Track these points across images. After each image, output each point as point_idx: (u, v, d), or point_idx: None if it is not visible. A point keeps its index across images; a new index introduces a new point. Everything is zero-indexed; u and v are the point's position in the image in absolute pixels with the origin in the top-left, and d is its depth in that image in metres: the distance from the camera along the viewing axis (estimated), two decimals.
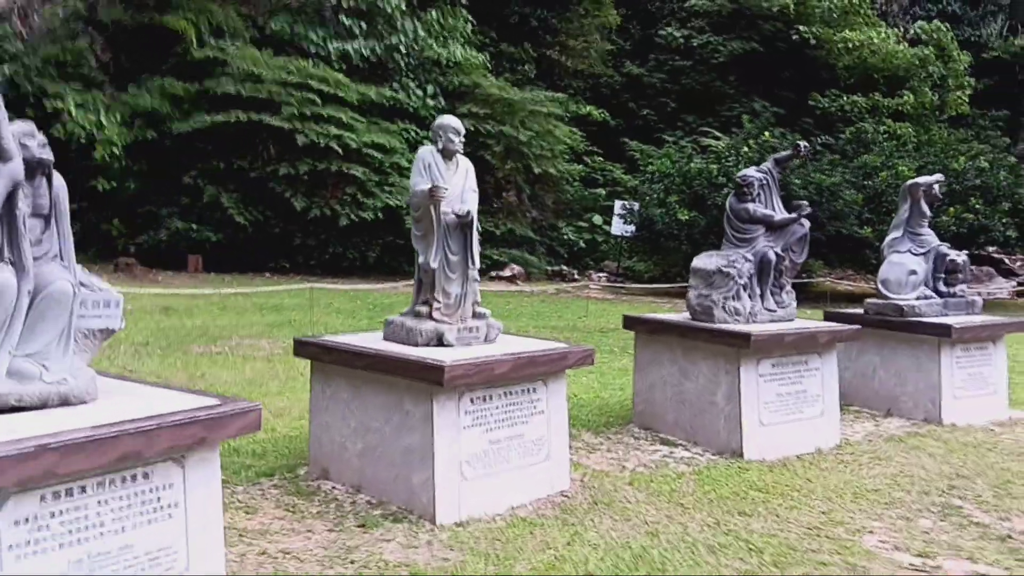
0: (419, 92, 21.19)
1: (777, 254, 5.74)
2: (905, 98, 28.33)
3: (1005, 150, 27.02)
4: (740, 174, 5.92)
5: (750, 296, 5.69)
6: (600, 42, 27.99)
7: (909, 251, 6.98)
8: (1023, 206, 20.17)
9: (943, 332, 6.39)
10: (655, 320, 5.91)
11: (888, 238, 7.08)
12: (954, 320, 6.65)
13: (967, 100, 30.94)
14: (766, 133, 19.95)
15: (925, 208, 7.04)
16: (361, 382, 4.28)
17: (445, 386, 3.85)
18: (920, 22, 31.48)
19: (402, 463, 4.10)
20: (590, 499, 4.51)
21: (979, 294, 23.66)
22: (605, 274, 24.27)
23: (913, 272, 6.82)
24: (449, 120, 4.53)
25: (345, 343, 4.39)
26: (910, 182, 7.00)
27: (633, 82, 29.82)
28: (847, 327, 5.91)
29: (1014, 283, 25.92)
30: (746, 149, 19.73)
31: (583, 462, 5.19)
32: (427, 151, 4.49)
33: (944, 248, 6.97)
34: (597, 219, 24.93)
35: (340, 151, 17.36)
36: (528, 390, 4.40)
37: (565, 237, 24.37)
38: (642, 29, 30.78)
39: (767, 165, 6.06)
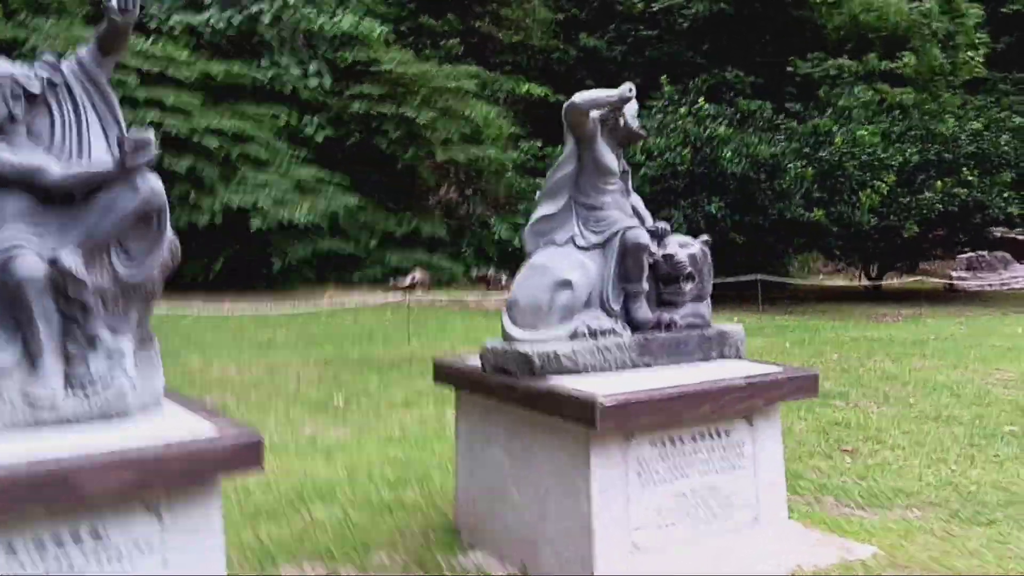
0: (297, 70, 17.96)
1: (58, 264, 2.33)
2: (906, 60, 24.31)
3: None
4: None
5: None
6: (540, 11, 24.46)
7: (572, 240, 3.50)
8: None
9: (582, 413, 2.92)
10: None
11: (535, 214, 3.60)
12: (638, 381, 3.17)
13: (982, 61, 26.76)
14: (700, 99, 16.29)
15: (606, 156, 3.54)
16: None
17: None
18: None
19: None
20: None
21: (989, 285, 19.68)
22: None
23: (565, 284, 3.33)
24: None
25: None
26: (570, 103, 3.49)
27: (590, 56, 26.26)
28: (228, 445, 2.39)
29: None
30: (680, 121, 16.15)
31: None
32: None
33: (639, 233, 3.45)
34: None
35: (158, 140, 14.15)
36: None
37: (496, 236, 20.91)
38: None
39: (82, 56, 2.63)
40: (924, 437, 6.05)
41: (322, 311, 13.49)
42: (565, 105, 3.47)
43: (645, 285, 3.45)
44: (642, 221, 3.66)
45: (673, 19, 25.32)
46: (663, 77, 17.84)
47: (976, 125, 16.44)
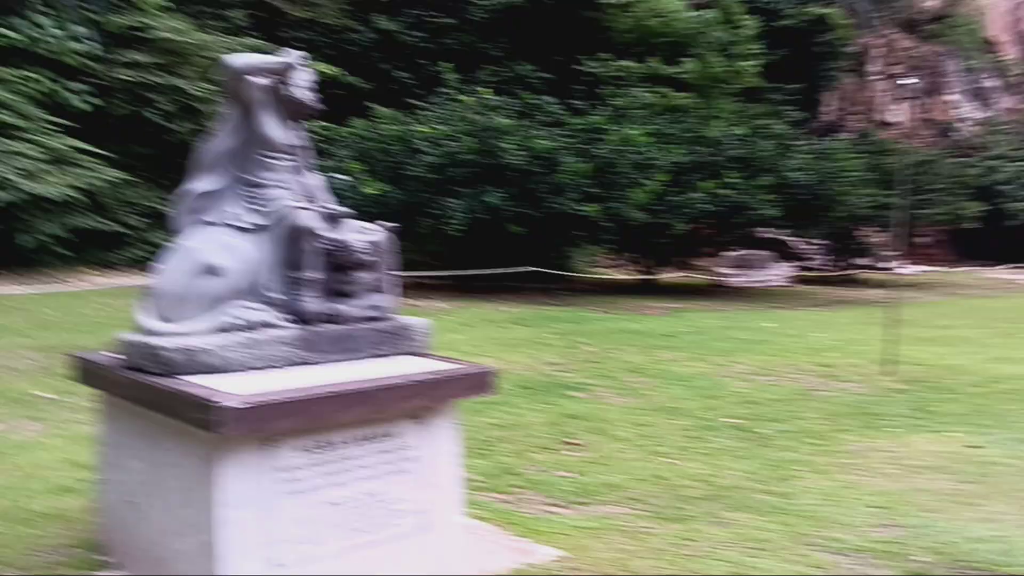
0: (59, 32, 16.40)
1: None
2: (688, 65, 25.44)
3: (800, 125, 24.68)
4: None
5: None
6: None
7: (228, 221, 3.16)
8: (786, 181, 17.34)
9: (204, 417, 2.58)
10: None
11: (188, 189, 3.23)
12: (289, 380, 2.87)
13: (758, 71, 28.49)
14: (486, 89, 16.25)
15: (272, 128, 3.22)
16: None
17: None
18: None
19: None
20: None
21: (753, 282, 20.94)
22: None
23: (213, 270, 2.99)
24: None
25: None
26: (224, 65, 3.14)
27: (386, 39, 25.77)
28: None
29: (795, 267, 23.47)
30: (464, 110, 16.01)
31: None
32: None
33: (304, 215, 3.14)
34: None
35: None
36: None
37: None
38: None
39: None
40: (650, 429, 6.14)
41: (66, 294, 12.36)
42: (221, 67, 3.12)
43: (313, 273, 3.15)
44: (318, 204, 3.36)
45: (470, 9, 25.28)
46: (446, 64, 17.62)
47: (740, 130, 17.37)
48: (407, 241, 13.72)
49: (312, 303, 3.15)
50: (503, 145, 14.31)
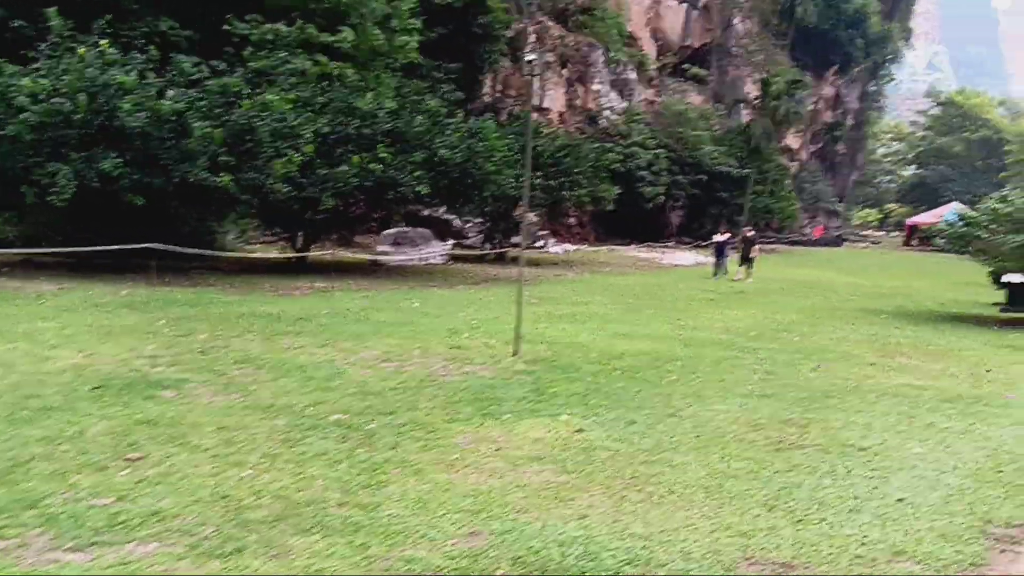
0: None
1: None
2: (344, 35, 24.59)
3: (459, 105, 24.72)
4: None
5: None
6: None
7: None
8: (439, 159, 17.15)
9: None
10: None
11: None
12: None
13: (416, 47, 28.31)
14: (104, 42, 14.23)
15: None
16: None
17: None
18: None
19: None
20: None
21: (410, 260, 20.68)
22: None
23: None
24: None
25: None
26: None
27: None
28: None
29: (450, 244, 23.65)
30: (76, 64, 13.87)
31: None
32: None
33: None
34: None
35: None
36: None
37: None
38: None
39: None
40: (239, 434, 5.30)
41: None
42: None
43: None
44: None
45: None
46: (52, 10, 15.24)
47: (391, 104, 16.90)
48: (9, 212, 11.59)
49: None
50: (122, 105, 12.60)
